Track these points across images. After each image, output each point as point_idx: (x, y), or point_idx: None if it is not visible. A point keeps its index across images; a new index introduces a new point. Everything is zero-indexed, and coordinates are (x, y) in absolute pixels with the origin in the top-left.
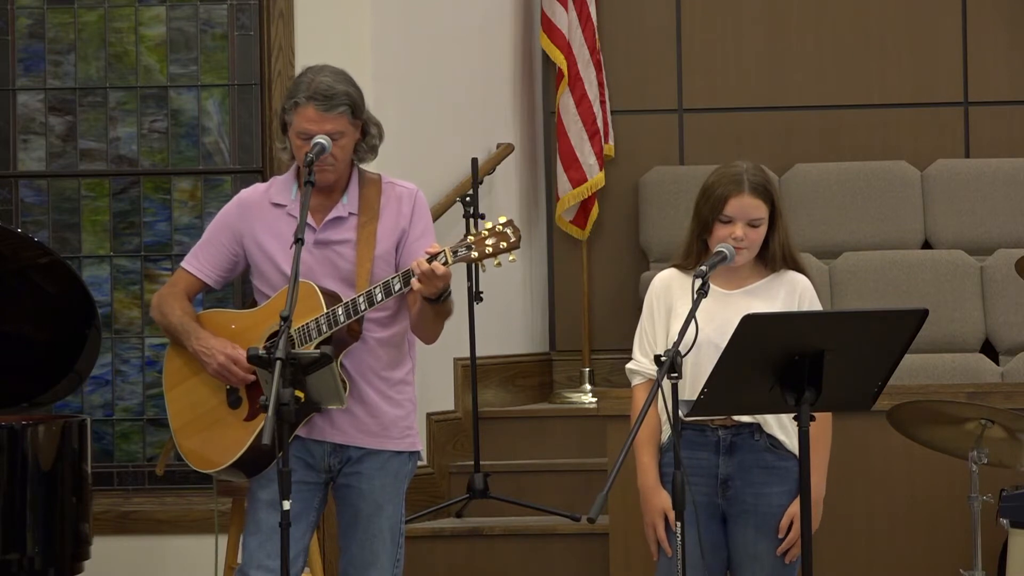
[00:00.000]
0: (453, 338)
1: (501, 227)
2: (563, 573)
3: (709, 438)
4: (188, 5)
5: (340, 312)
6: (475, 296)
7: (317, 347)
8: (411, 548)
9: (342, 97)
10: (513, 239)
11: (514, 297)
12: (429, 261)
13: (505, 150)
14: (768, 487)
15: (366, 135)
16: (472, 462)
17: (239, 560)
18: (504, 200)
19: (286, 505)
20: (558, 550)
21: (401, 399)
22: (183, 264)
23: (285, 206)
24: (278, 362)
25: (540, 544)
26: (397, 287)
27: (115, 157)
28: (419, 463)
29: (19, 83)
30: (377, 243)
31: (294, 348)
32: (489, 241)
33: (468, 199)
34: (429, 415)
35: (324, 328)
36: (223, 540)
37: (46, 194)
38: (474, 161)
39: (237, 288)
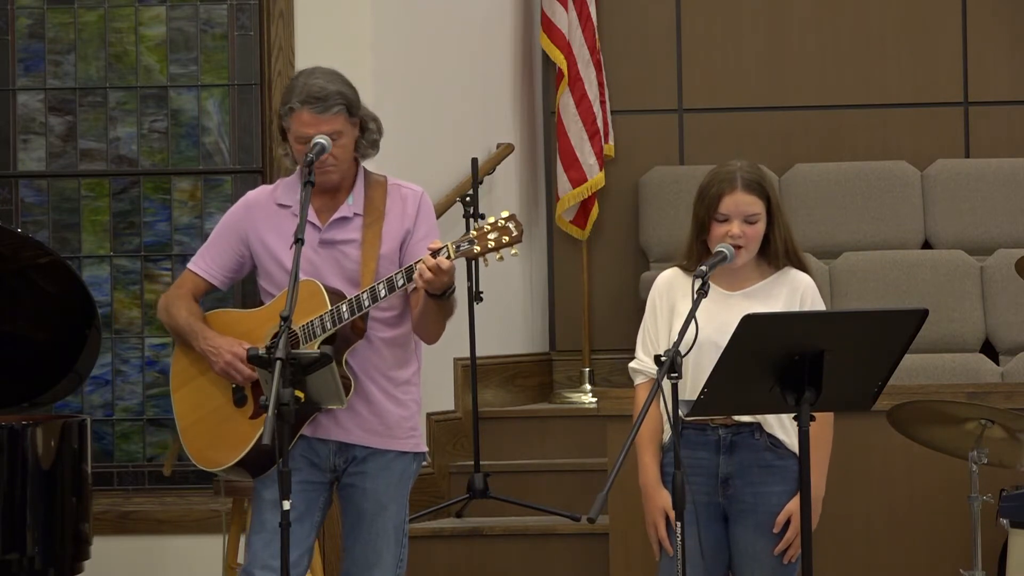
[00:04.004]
0: (453, 338)
1: (503, 221)
2: (563, 573)
3: (709, 437)
4: (188, 5)
5: (344, 309)
6: (475, 296)
7: (321, 345)
8: (411, 548)
9: (336, 97)
10: (515, 233)
11: (514, 297)
12: (433, 256)
13: (505, 150)
14: (768, 486)
15: (365, 131)
16: (472, 462)
17: (240, 560)
18: (504, 200)
19: (286, 505)
20: (558, 550)
21: (406, 399)
22: (189, 265)
23: (290, 207)
24: (278, 362)
25: (540, 544)
26: (400, 283)
27: (115, 157)
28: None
29: (19, 83)
30: (382, 243)
31: (297, 346)
32: (491, 235)
33: (468, 199)
34: (429, 415)
35: (328, 325)
36: (215, 539)
37: (46, 194)
38: (474, 161)
39: (237, 288)
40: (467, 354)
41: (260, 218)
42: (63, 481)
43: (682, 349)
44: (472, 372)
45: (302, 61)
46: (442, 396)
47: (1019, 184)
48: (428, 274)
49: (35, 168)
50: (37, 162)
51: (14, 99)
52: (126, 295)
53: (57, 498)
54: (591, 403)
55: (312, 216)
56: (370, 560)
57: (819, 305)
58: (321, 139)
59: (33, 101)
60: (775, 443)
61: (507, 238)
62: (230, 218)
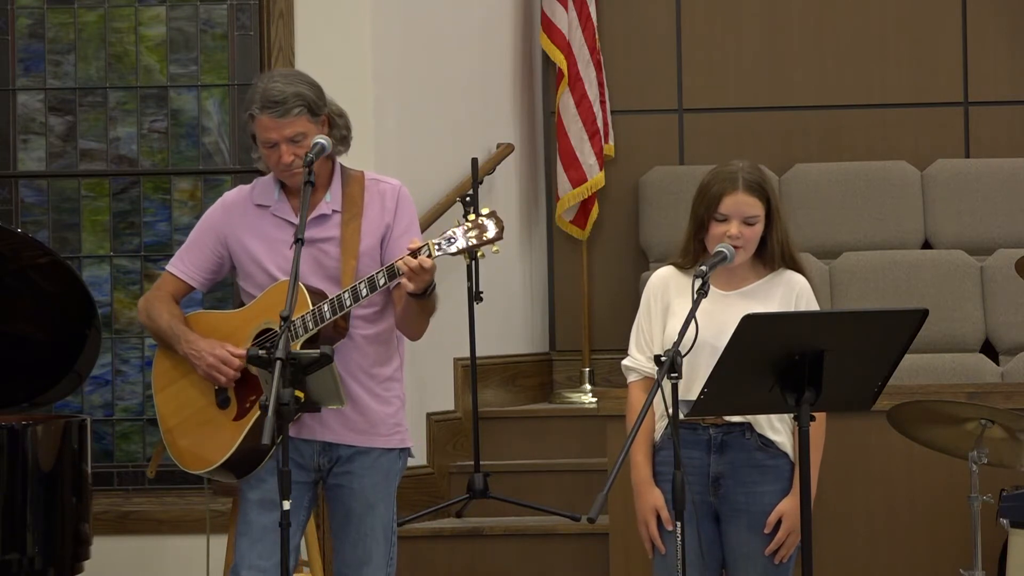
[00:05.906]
0: (453, 338)
1: (484, 219)
2: (563, 573)
3: (700, 436)
4: (188, 5)
5: (326, 308)
6: (475, 296)
7: (304, 344)
8: (411, 548)
9: (294, 99)
10: (495, 230)
11: (514, 297)
12: (414, 256)
13: (505, 150)
14: (760, 486)
15: (333, 128)
16: (472, 462)
17: None
18: (504, 200)
19: (286, 505)
20: (558, 550)
21: (389, 396)
22: (168, 267)
23: (268, 207)
24: (278, 362)
25: (540, 544)
26: (382, 282)
27: (115, 157)
28: (419, 463)
29: (19, 83)
30: (361, 239)
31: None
32: (472, 233)
33: (468, 199)
34: (429, 415)
35: (310, 325)
36: (219, 540)
37: (46, 194)
38: (474, 161)
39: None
40: (467, 354)
41: (238, 219)
42: (63, 481)
43: (681, 349)
44: (472, 372)
45: (302, 61)
46: (442, 396)
47: (1019, 184)
48: (410, 272)
49: (35, 168)
50: (37, 162)
51: (14, 99)
52: (126, 295)
53: (57, 498)
54: (591, 403)
55: (290, 215)
56: (360, 559)
57: (813, 306)
58: (321, 139)
59: (33, 101)
60: (766, 443)
61: (488, 236)
62: (208, 219)
